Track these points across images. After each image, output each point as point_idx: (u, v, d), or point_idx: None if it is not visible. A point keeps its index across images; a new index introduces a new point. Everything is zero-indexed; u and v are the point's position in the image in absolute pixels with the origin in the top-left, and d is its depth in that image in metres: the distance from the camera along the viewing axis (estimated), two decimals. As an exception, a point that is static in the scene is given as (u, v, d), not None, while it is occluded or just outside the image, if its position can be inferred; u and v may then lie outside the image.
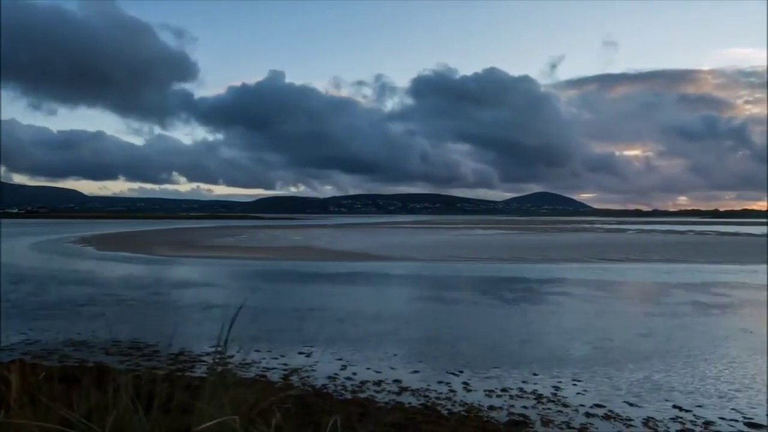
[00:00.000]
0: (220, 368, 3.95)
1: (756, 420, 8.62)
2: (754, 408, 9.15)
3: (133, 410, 3.38)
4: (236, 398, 3.60)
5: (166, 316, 16.95)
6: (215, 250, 46.34)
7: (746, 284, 25.80)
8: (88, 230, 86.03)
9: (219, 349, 3.92)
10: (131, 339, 13.26)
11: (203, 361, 11.18)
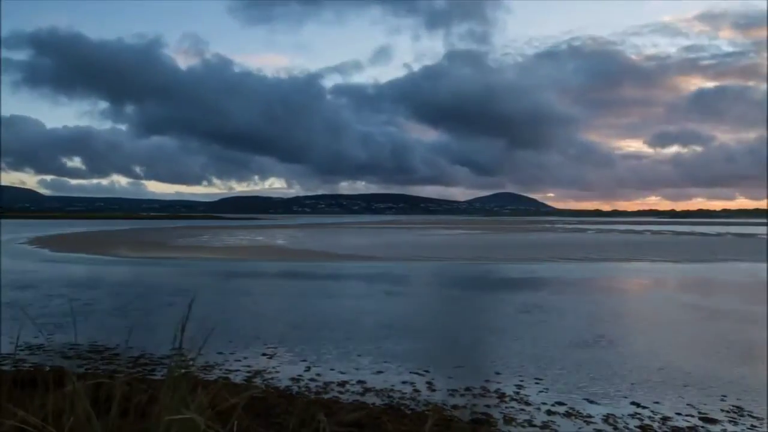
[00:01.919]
0: (180, 370, 3.89)
1: (711, 415, 8.85)
2: (706, 404, 9.39)
3: (90, 414, 3.31)
4: (198, 400, 3.55)
5: (126, 319, 16.64)
6: (176, 251, 45.69)
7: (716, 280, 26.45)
8: (44, 231, 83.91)
9: (179, 351, 3.87)
10: (90, 342, 12.97)
11: (164, 364, 11.00)
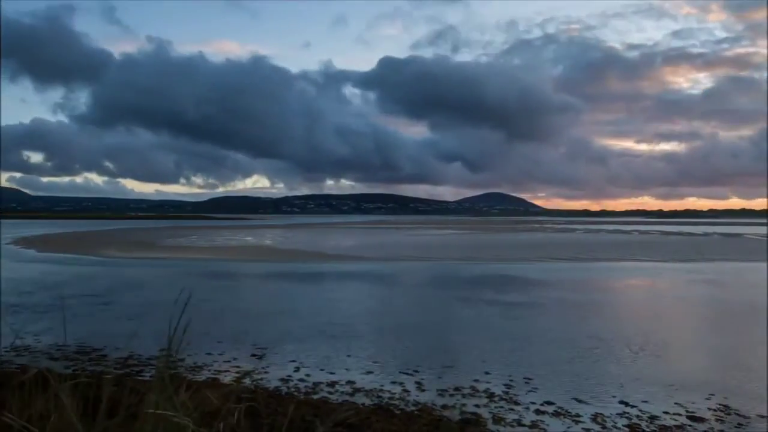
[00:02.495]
0: (169, 371, 3.86)
1: (698, 414, 8.91)
2: (694, 403, 9.45)
3: (76, 415, 3.28)
4: (186, 401, 3.53)
5: (114, 320, 16.54)
6: (164, 251, 45.47)
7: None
8: (30, 231, 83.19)
9: (168, 352, 3.84)
10: (77, 343, 12.88)
11: (152, 365, 10.93)
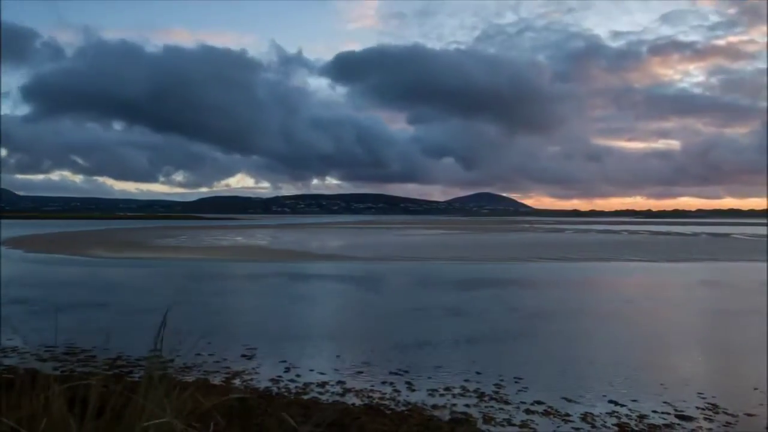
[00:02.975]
0: (158, 372, 3.85)
1: (687, 413, 8.97)
2: (683, 401, 9.51)
3: (65, 416, 3.26)
4: (175, 402, 3.52)
5: (103, 320, 16.45)
6: (153, 251, 45.26)
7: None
8: (18, 231, 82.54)
9: (157, 352, 3.83)
10: (66, 344, 12.79)
11: (142, 366, 10.88)
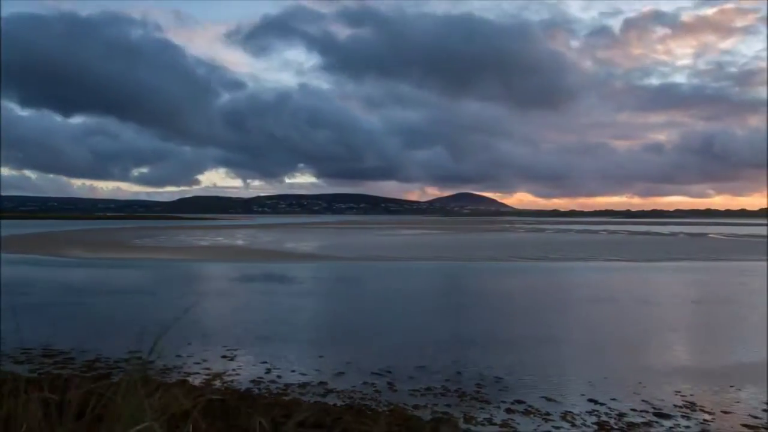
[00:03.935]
0: (138, 373, 3.82)
1: (664, 411, 9.07)
2: (661, 399, 9.62)
3: (42, 420, 3.22)
4: (155, 403, 3.49)
5: (81, 322, 16.27)
6: (132, 251, 44.83)
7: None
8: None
9: (136, 354, 3.80)
10: (43, 346, 12.61)
11: (121, 368, 10.77)
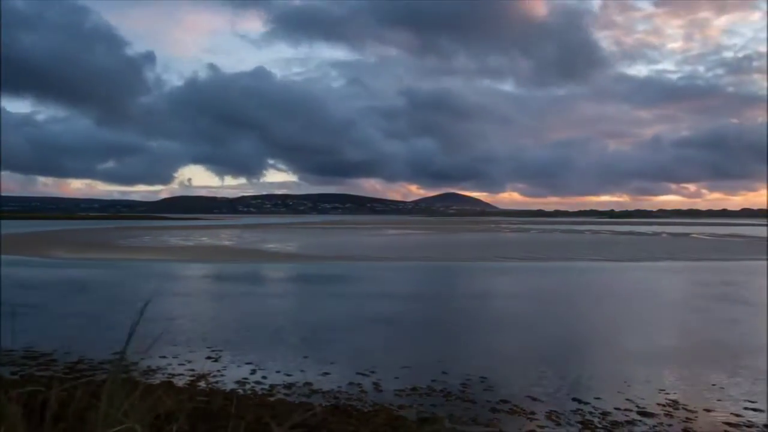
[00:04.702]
0: (121, 374, 3.78)
1: (648, 409, 9.14)
2: (644, 398, 9.70)
3: (22, 423, 3.18)
4: (139, 405, 3.45)
5: (63, 323, 16.10)
6: (116, 252, 44.46)
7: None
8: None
9: (120, 355, 3.75)
10: (24, 348, 12.48)
11: (104, 370, 10.67)
